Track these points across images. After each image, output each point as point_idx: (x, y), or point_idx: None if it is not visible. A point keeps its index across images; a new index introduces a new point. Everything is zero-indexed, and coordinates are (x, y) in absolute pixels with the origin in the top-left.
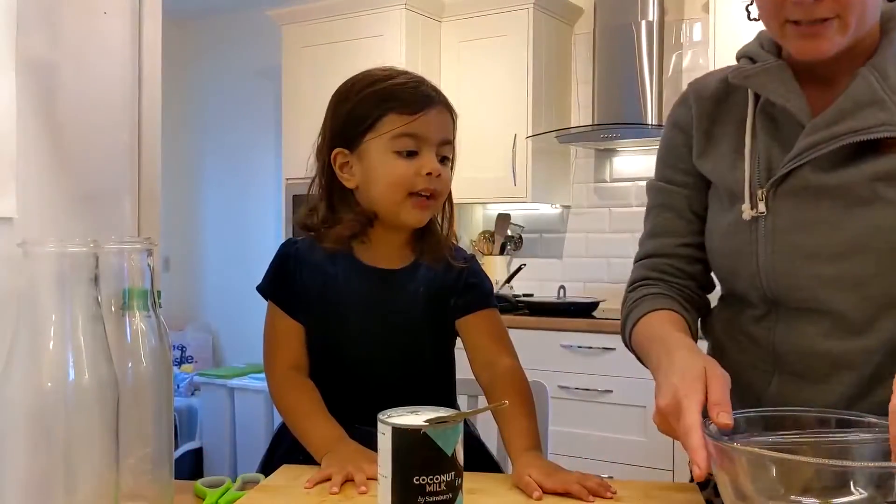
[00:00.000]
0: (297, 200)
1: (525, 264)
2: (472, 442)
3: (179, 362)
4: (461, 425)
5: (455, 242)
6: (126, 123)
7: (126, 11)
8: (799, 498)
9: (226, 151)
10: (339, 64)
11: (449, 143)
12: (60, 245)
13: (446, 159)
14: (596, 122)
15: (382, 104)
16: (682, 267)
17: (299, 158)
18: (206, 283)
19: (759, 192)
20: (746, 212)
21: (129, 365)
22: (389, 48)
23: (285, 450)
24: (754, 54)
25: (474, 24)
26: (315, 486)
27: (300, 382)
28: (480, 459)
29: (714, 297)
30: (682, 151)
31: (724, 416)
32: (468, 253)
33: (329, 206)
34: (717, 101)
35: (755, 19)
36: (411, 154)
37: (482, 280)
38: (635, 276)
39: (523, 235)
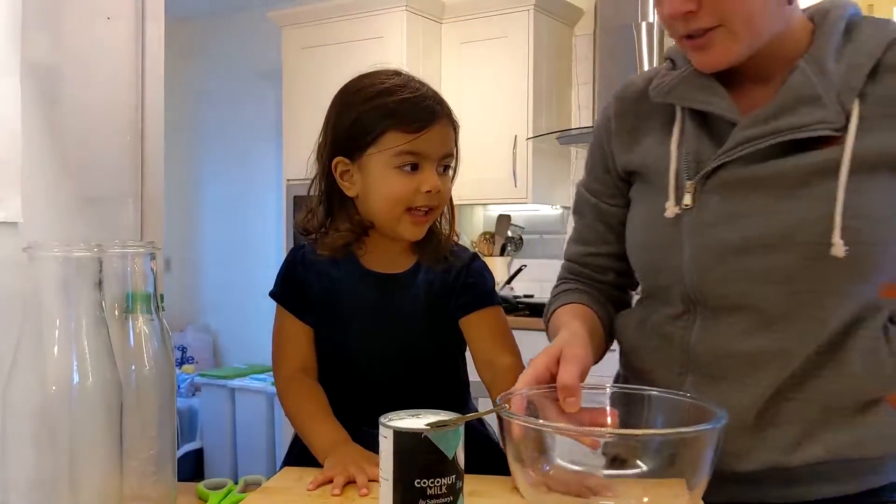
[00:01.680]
0: (297, 201)
1: (525, 265)
2: (488, 443)
3: (180, 363)
4: (462, 428)
5: (457, 239)
6: (129, 127)
7: (129, 16)
8: (565, 464)
9: (226, 153)
10: (340, 65)
11: (450, 155)
12: (65, 249)
13: (447, 168)
14: None
15: (385, 120)
16: (593, 275)
17: (300, 160)
18: (206, 283)
19: (688, 184)
20: (670, 209)
21: (133, 368)
22: (390, 50)
23: (302, 447)
24: (675, 56)
25: (475, 26)
26: (317, 487)
27: (306, 385)
28: (497, 461)
29: None
30: (598, 160)
31: (570, 402)
32: (470, 251)
33: (327, 211)
34: (641, 98)
35: None
36: (412, 169)
37: (482, 278)
38: (560, 274)
39: (524, 236)
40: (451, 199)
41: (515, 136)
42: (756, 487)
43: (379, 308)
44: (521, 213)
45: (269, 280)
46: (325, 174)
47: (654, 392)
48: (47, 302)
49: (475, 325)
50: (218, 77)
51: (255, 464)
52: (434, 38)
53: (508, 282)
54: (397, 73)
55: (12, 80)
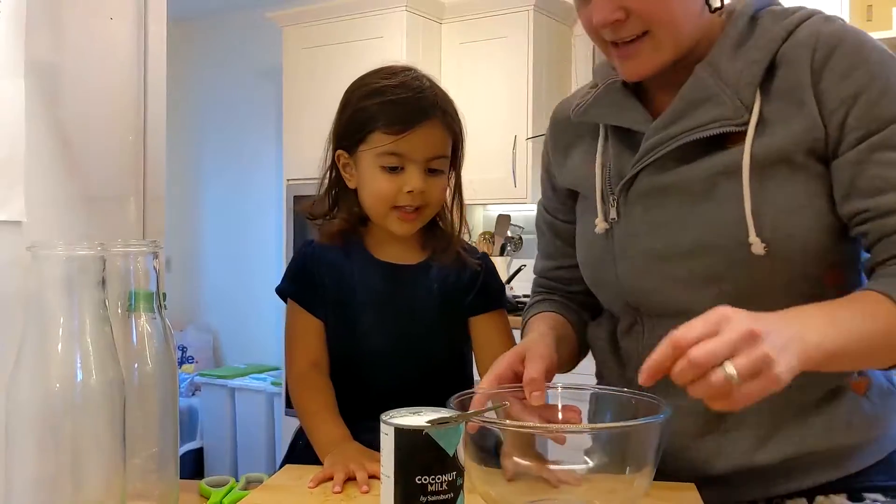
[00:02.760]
0: (297, 201)
1: (525, 265)
2: None
3: (180, 362)
4: (463, 426)
5: (468, 239)
6: (131, 127)
7: (131, 16)
8: (519, 459)
9: (227, 152)
10: (340, 65)
11: (440, 157)
12: (68, 248)
13: (437, 171)
14: None
15: (371, 121)
16: (561, 287)
17: (300, 159)
18: (206, 283)
19: (611, 198)
20: (599, 224)
21: (136, 366)
22: (390, 50)
23: (305, 444)
24: (598, 73)
25: (475, 26)
26: (318, 485)
27: (314, 381)
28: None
29: None
30: (545, 180)
31: (535, 396)
32: (479, 252)
33: (332, 199)
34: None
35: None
36: (395, 169)
37: (497, 280)
38: (532, 288)
39: (523, 236)
40: (461, 199)
41: (515, 136)
42: (732, 488)
43: (390, 298)
44: (520, 212)
45: (270, 280)
46: (333, 164)
47: (600, 390)
48: (50, 300)
49: (485, 325)
50: (218, 77)
51: (254, 463)
52: (434, 38)
53: (508, 282)
54: (403, 71)
55: (17, 81)
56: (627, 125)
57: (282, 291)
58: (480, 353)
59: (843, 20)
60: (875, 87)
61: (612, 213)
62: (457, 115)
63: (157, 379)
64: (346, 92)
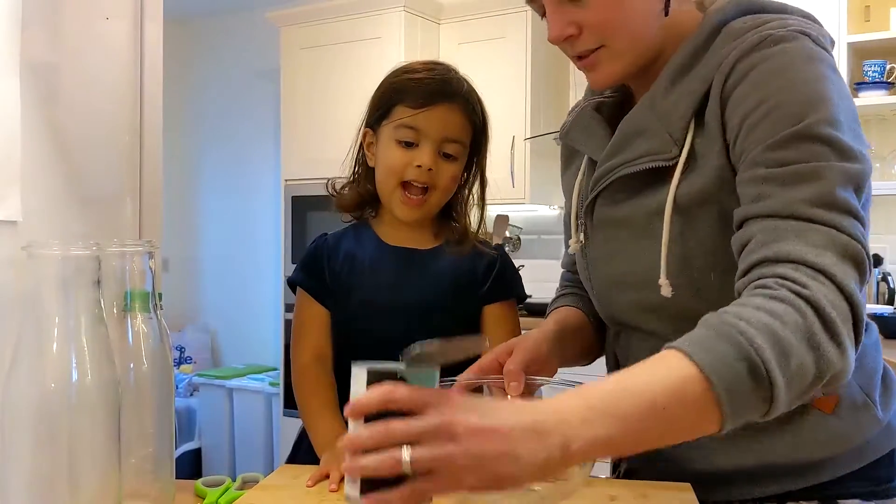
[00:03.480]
0: (296, 201)
1: (523, 265)
2: None
3: (178, 363)
4: (437, 373)
5: (484, 236)
6: (128, 126)
7: (128, 15)
8: None
9: (225, 153)
10: (338, 66)
11: (456, 141)
12: (64, 248)
13: (450, 157)
14: None
15: (395, 95)
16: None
17: (298, 160)
18: (205, 284)
19: (579, 221)
20: (573, 244)
21: (131, 366)
22: (388, 50)
23: (309, 445)
24: (588, 89)
25: (473, 27)
26: (316, 483)
27: (317, 377)
28: None
29: None
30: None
31: (513, 386)
32: (494, 245)
33: (354, 176)
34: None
35: None
36: (410, 145)
37: (513, 270)
38: (559, 283)
39: (522, 237)
40: (483, 194)
41: (513, 137)
42: (700, 487)
43: (400, 280)
44: (518, 213)
45: (268, 280)
46: (360, 145)
47: (549, 381)
48: (46, 300)
49: (496, 315)
50: (217, 77)
51: (253, 464)
52: (432, 38)
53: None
54: (436, 63)
55: (12, 80)
56: (588, 153)
57: (292, 281)
58: (489, 341)
59: (800, 39)
60: (761, 109)
61: (581, 236)
62: (481, 108)
63: (153, 379)
64: (385, 77)
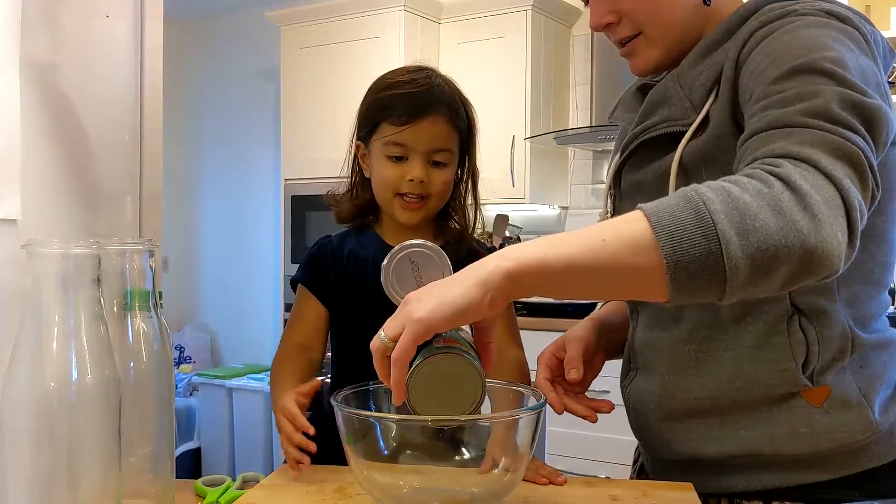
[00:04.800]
0: (295, 201)
1: None
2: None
3: (178, 363)
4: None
5: (479, 236)
6: (128, 125)
7: (128, 14)
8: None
9: (224, 152)
10: (338, 65)
11: (443, 150)
12: (64, 246)
13: (440, 164)
14: (594, 124)
15: (379, 113)
16: None
17: (298, 159)
18: (204, 283)
19: (610, 192)
20: (601, 215)
21: (131, 365)
22: (388, 49)
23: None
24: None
25: (473, 26)
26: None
27: (296, 357)
28: None
29: None
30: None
31: (573, 371)
32: (488, 246)
33: (351, 185)
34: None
35: None
36: (400, 159)
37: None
38: None
39: (521, 236)
40: (475, 194)
41: (513, 137)
42: (690, 475)
43: None
44: (518, 212)
45: (268, 280)
46: (355, 156)
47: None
48: (46, 298)
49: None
50: (217, 76)
51: (252, 463)
52: (432, 37)
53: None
54: (419, 70)
55: (12, 77)
56: (623, 126)
57: (295, 280)
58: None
59: (824, 17)
60: (768, 59)
61: (610, 206)
62: (465, 112)
63: (153, 377)
64: (369, 88)
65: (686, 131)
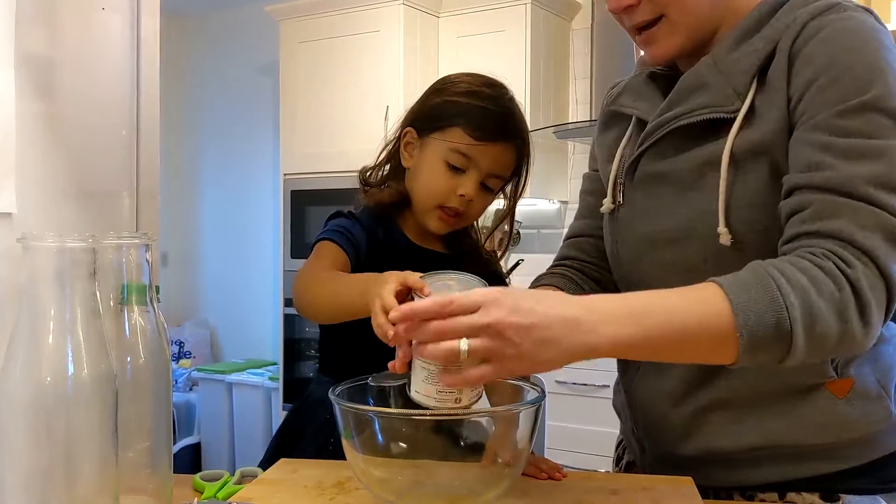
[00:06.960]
0: (295, 196)
1: (522, 259)
2: None
3: (177, 358)
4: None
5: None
6: (124, 119)
7: (124, 7)
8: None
9: (224, 147)
10: (337, 59)
11: (499, 177)
12: (59, 240)
13: (489, 189)
14: (594, 118)
15: (458, 116)
16: (579, 256)
17: (297, 154)
18: (204, 278)
19: (619, 182)
20: (606, 204)
21: (128, 359)
22: (387, 43)
23: (295, 430)
24: (640, 62)
25: (472, 20)
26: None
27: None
28: None
29: None
30: (592, 150)
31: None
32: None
33: (388, 171)
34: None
35: None
36: (457, 170)
37: (500, 270)
38: (557, 255)
39: (521, 231)
40: (511, 222)
41: None
42: (699, 471)
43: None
44: (518, 207)
45: (268, 275)
46: (397, 139)
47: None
48: (42, 293)
49: None
50: (216, 71)
51: (252, 458)
52: (431, 31)
53: (507, 275)
54: (500, 86)
55: (7, 71)
56: (639, 114)
57: (324, 238)
58: None
59: (865, 13)
60: (830, 72)
61: (619, 197)
62: (530, 147)
63: (151, 372)
64: (441, 81)
65: (726, 118)
